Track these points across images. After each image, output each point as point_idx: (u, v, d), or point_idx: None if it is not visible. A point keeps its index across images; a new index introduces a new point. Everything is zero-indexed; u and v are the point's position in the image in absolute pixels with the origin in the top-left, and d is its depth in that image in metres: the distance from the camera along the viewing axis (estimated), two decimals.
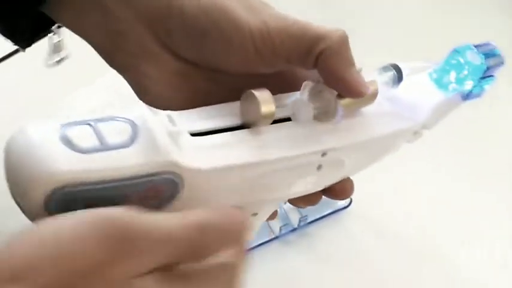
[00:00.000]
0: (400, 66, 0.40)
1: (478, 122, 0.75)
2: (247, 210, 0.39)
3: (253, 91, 0.34)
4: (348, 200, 0.67)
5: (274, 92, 0.36)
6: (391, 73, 0.40)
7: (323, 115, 0.37)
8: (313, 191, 0.41)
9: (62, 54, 0.64)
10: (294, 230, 0.65)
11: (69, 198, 0.29)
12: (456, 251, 0.65)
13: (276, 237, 0.64)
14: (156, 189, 0.31)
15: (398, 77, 0.40)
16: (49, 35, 0.42)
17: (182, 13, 0.36)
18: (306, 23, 0.36)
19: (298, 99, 0.36)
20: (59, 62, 0.68)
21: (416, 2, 0.95)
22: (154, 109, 0.33)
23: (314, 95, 0.37)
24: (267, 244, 0.64)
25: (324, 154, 0.38)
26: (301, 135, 0.37)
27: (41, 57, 0.67)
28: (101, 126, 0.30)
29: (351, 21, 0.38)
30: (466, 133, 0.75)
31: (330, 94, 0.36)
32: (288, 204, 0.64)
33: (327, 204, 0.66)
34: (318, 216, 0.66)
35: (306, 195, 0.41)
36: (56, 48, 0.65)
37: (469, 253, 0.65)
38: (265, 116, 0.34)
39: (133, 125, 0.31)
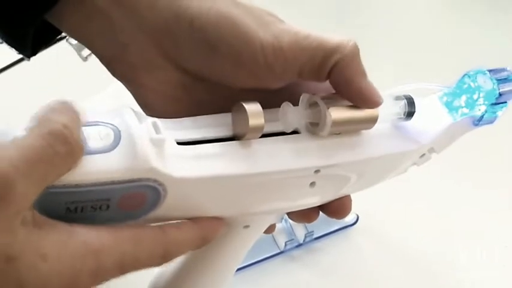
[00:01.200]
0: (415, 100, 0.39)
1: (488, 138, 0.74)
2: (237, 221, 0.38)
3: (243, 103, 0.34)
4: (354, 217, 0.66)
5: (278, 106, 0.36)
6: (402, 102, 0.39)
7: (314, 127, 0.37)
8: (306, 207, 0.40)
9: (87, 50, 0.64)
10: (300, 245, 0.64)
11: (50, 199, 0.29)
12: (466, 266, 0.64)
13: (281, 252, 0.64)
14: (138, 195, 0.32)
15: (409, 110, 0.39)
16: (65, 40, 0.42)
17: (191, 26, 0.35)
18: (317, 36, 0.36)
19: (291, 109, 0.36)
20: (89, 55, 0.68)
21: (431, 20, 0.94)
22: (143, 115, 0.33)
23: (308, 106, 0.37)
24: (272, 259, 0.63)
25: (317, 171, 0.37)
26: (292, 149, 0.36)
27: (53, 63, 0.67)
28: (84, 130, 0.30)
29: (361, 40, 0.37)
30: (475, 149, 0.74)
31: (322, 106, 0.36)
32: None
33: (334, 220, 0.65)
34: (324, 232, 0.65)
35: (302, 212, 0.40)
36: (80, 46, 0.64)
37: (481, 269, 0.64)
38: (254, 129, 0.34)
39: (117, 131, 0.31)
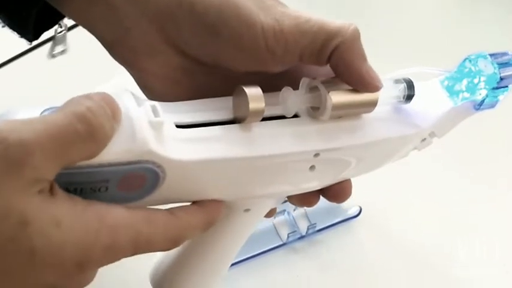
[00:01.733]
0: (414, 83, 0.39)
1: (492, 133, 0.74)
2: (237, 205, 0.39)
3: (244, 87, 0.34)
4: (357, 209, 0.66)
5: (279, 90, 0.36)
6: (402, 86, 0.39)
7: (315, 111, 0.37)
8: (306, 191, 0.40)
9: (62, 47, 0.65)
10: (302, 237, 0.64)
11: None
12: (469, 261, 0.64)
13: (284, 244, 0.64)
14: (137, 177, 0.32)
15: (409, 94, 0.39)
16: (55, 28, 0.42)
17: (192, 9, 0.35)
18: (318, 20, 0.36)
19: (291, 93, 0.36)
20: (61, 53, 0.69)
21: (432, 7, 0.94)
22: (142, 98, 0.33)
23: (308, 90, 0.37)
24: (275, 250, 0.63)
25: (316, 155, 0.37)
26: (292, 133, 0.36)
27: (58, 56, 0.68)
28: None
29: (362, 26, 0.37)
30: (480, 143, 0.74)
31: (323, 90, 0.36)
32: (296, 211, 0.64)
33: (336, 212, 0.65)
34: (326, 225, 0.65)
35: (302, 196, 0.41)
36: (59, 40, 0.65)
37: (483, 265, 0.64)
38: (254, 113, 0.34)
39: None
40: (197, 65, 0.37)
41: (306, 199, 0.41)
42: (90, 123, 0.29)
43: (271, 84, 0.37)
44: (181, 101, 0.36)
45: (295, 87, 0.37)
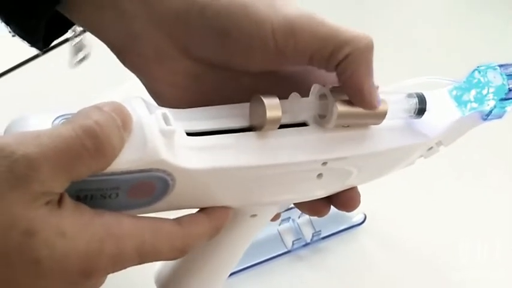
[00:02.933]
0: (426, 97, 0.39)
1: (495, 139, 0.74)
2: (244, 211, 0.39)
3: (261, 96, 0.34)
4: (362, 217, 0.66)
5: (287, 92, 0.36)
6: (414, 100, 0.39)
7: (322, 119, 0.37)
8: (313, 198, 0.40)
9: (83, 53, 0.65)
10: (307, 244, 0.64)
11: None
12: (473, 269, 0.64)
13: (288, 252, 0.64)
14: (147, 185, 0.32)
15: (420, 108, 0.39)
16: (69, 37, 0.42)
17: (202, 14, 0.35)
18: (333, 25, 0.35)
19: (299, 100, 0.36)
20: (81, 61, 0.69)
21: (442, 16, 0.94)
22: (153, 105, 0.33)
23: (318, 98, 0.37)
24: (279, 258, 0.63)
25: (324, 163, 0.37)
26: (301, 142, 0.36)
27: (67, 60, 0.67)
28: None
29: (371, 34, 0.37)
30: (483, 150, 0.74)
31: (330, 98, 0.36)
32: (301, 218, 0.65)
33: (341, 220, 0.65)
34: (331, 232, 0.65)
35: (312, 205, 0.41)
36: (77, 48, 0.65)
37: (492, 272, 0.64)
38: (271, 121, 0.35)
39: None
40: (207, 69, 0.37)
41: (316, 209, 0.41)
42: (98, 138, 0.29)
43: (280, 86, 0.36)
44: (192, 106, 0.36)
45: (304, 90, 0.37)
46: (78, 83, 0.72)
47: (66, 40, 0.64)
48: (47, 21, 0.38)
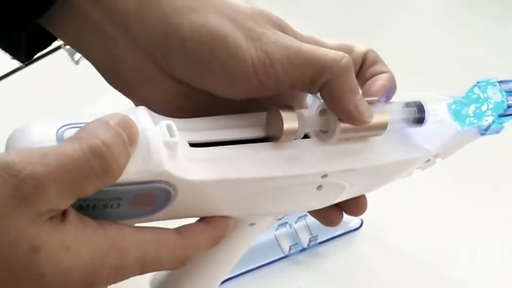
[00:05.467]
0: (425, 106, 0.39)
1: (490, 141, 0.74)
2: (243, 220, 0.39)
3: (279, 109, 0.35)
4: (359, 221, 0.66)
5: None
6: (412, 109, 0.39)
7: (323, 134, 0.37)
8: (313, 209, 0.41)
9: (79, 54, 0.64)
10: (304, 249, 0.64)
11: None
12: (470, 275, 0.64)
13: (285, 257, 0.64)
14: (150, 195, 0.32)
15: (419, 117, 0.39)
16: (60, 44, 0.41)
17: (182, 45, 0.35)
18: (309, 50, 0.35)
19: (302, 116, 0.36)
20: (78, 61, 0.69)
21: (444, 31, 0.94)
22: (158, 116, 0.33)
23: (319, 113, 0.37)
24: (276, 263, 0.64)
25: (324, 176, 0.38)
26: (302, 155, 0.37)
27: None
28: None
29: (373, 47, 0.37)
30: (479, 154, 0.74)
31: (332, 115, 0.36)
32: (298, 223, 0.65)
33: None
34: (328, 237, 0.65)
35: (323, 214, 0.42)
36: (72, 51, 0.65)
37: (483, 277, 0.64)
38: (288, 133, 0.35)
39: None
40: (193, 89, 0.37)
41: (329, 218, 0.42)
42: (105, 160, 0.29)
43: (270, 102, 0.37)
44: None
45: (295, 100, 0.38)
46: (74, 86, 0.72)
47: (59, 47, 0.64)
48: (29, 34, 0.37)
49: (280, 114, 0.35)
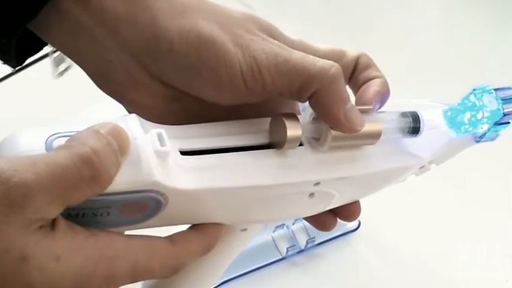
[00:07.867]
0: (421, 117, 0.39)
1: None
2: (235, 226, 0.39)
3: (283, 116, 0.35)
4: (356, 223, 0.66)
5: (264, 114, 0.37)
6: (408, 119, 0.39)
7: (316, 141, 0.37)
8: (305, 216, 0.41)
9: (65, 65, 0.64)
10: (301, 251, 0.64)
11: None
12: (467, 276, 0.64)
13: (283, 258, 0.64)
14: (140, 204, 0.32)
15: (414, 126, 0.39)
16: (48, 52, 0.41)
17: (171, 49, 0.35)
18: (298, 59, 0.35)
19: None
20: (62, 72, 0.69)
21: (441, 33, 0.94)
22: (148, 123, 0.33)
23: (312, 120, 0.37)
24: (274, 265, 0.64)
25: (317, 183, 0.38)
26: (295, 163, 0.37)
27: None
28: None
29: (368, 53, 0.37)
30: (477, 155, 0.73)
31: (324, 123, 0.36)
32: (295, 225, 0.65)
33: (336, 226, 0.65)
34: (325, 239, 0.65)
35: (317, 219, 0.42)
36: (58, 61, 0.65)
37: (481, 277, 0.64)
38: (292, 140, 0.35)
39: None
40: (182, 94, 0.37)
41: (322, 223, 0.42)
42: (94, 168, 0.29)
43: (259, 108, 0.37)
44: (177, 124, 0.36)
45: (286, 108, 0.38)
46: (62, 94, 0.71)
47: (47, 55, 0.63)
48: (19, 40, 0.37)
49: (284, 121, 0.35)
